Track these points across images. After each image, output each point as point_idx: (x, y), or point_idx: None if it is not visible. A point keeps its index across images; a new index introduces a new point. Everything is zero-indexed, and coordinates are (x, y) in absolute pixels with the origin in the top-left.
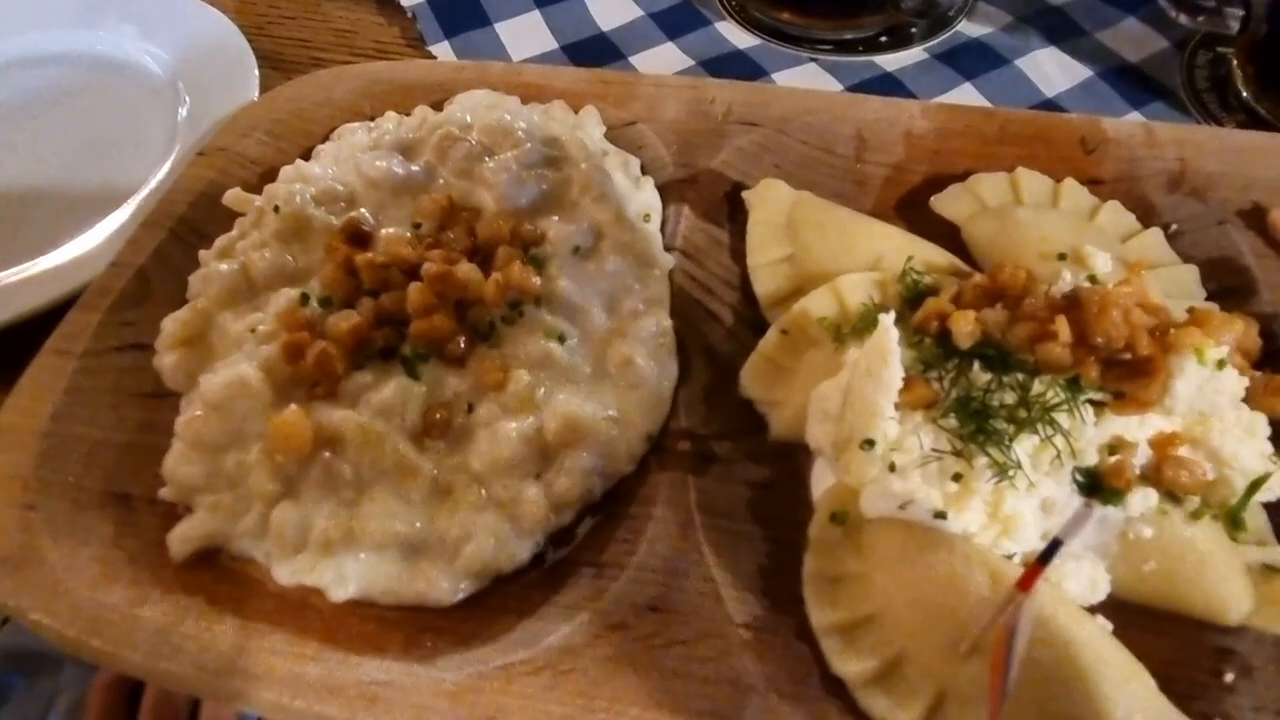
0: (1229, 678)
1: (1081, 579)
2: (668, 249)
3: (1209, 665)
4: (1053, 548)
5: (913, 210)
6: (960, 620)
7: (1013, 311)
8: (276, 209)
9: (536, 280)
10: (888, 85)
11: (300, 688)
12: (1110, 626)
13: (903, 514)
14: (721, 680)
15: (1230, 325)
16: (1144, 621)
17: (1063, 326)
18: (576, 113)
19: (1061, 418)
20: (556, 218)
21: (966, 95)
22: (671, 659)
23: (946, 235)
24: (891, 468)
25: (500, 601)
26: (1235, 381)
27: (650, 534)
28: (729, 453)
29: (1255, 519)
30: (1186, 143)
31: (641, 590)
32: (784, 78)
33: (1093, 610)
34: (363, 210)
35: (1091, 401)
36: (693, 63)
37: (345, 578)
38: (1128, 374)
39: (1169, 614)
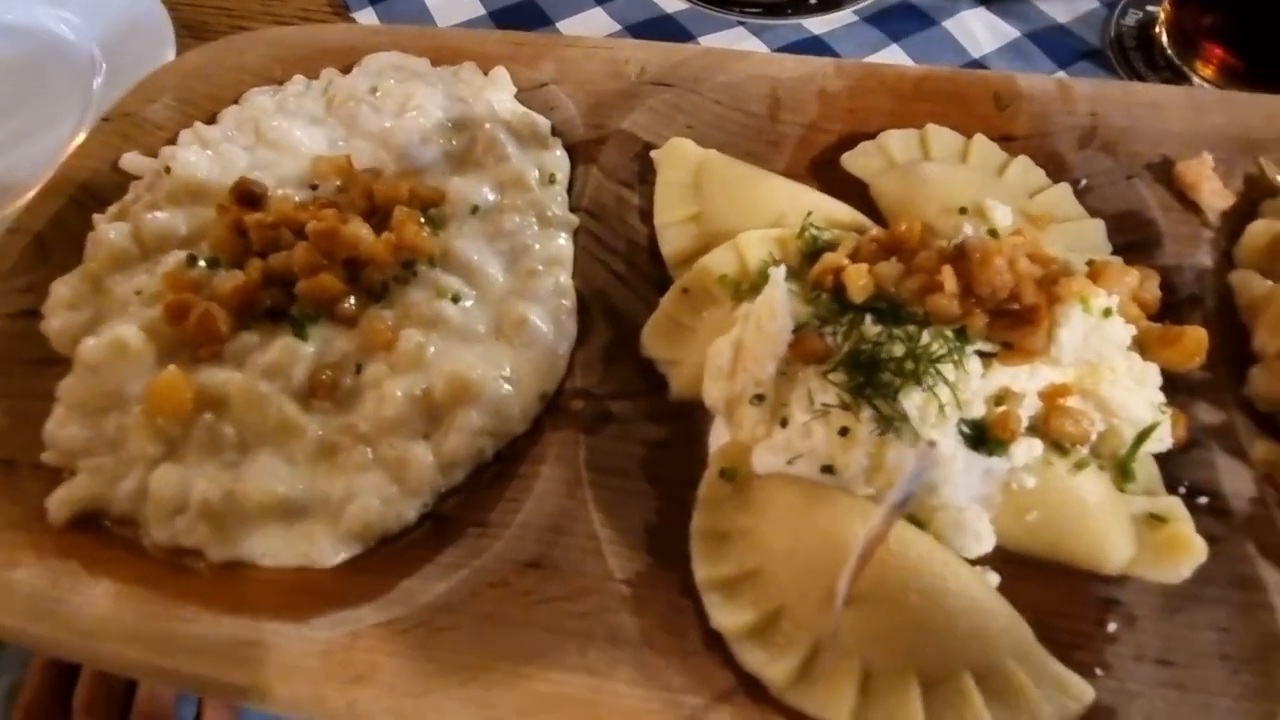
0: (1112, 627)
1: (964, 530)
2: (574, 210)
3: (1093, 615)
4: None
5: (826, 169)
6: (837, 573)
7: (908, 265)
8: (168, 170)
9: (429, 239)
10: (816, 48)
11: (170, 648)
12: (998, 579)
13: (792, 469)
14: (596, 635)
15: (1123, 276)
16: (1032, 573)
17: (949, 277)
18: (487, 74)
19: (947, 369)
20: (458, 178)
21: (894, 56)
22: (548, 615)
23: (858, 194)
24: (783, 423)
25: (382, 561)
26: (1121, 330)
27: (537, 492)
28: (626, 412)
29: (1146, 469)
30: (1100, 98)
31: (523, 548)
32: (711, 42)
33: (979, 562)
34: (256, 172)
35: (981, 353)
36: (620, 27)
37: (225, 539)
38: (1014, 324)
39: (1056, 565)
